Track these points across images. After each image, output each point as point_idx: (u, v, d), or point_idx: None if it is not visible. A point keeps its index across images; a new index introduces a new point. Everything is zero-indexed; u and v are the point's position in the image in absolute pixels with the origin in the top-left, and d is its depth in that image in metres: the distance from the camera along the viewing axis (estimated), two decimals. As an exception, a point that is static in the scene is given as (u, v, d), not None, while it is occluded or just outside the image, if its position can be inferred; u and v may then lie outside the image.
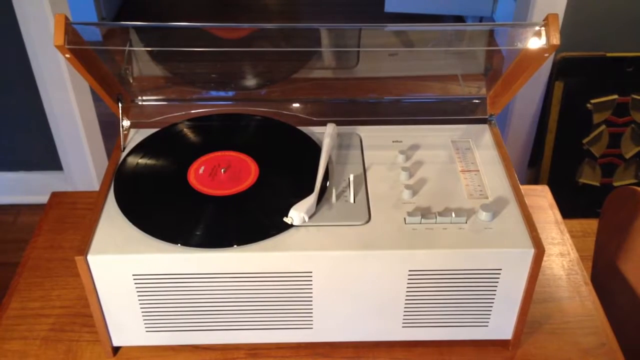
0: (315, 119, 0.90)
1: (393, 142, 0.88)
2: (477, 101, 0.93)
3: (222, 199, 0.78)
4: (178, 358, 0.81)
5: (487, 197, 0.79)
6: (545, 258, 0.92)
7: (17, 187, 2.05)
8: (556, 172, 1.95)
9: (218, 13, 3.04)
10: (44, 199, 1.03)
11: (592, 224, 1.71)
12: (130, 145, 0.87)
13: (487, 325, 0.79)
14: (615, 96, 1.83)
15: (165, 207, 0.78)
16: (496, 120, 0.91)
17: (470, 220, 0.75)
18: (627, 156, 1.91)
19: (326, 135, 0.85)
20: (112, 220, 0.75)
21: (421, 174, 0.82)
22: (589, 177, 1.94)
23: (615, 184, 1.95)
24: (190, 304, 0.76)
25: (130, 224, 0.75)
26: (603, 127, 1.87)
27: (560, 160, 1.94)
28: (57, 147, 1.96)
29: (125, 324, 0.78)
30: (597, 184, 1.95)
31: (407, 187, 0.79)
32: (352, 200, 0.78)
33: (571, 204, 1.93)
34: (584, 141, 1.89)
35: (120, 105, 0.88)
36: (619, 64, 1.80)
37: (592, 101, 1.83)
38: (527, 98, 1.88)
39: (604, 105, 1.84)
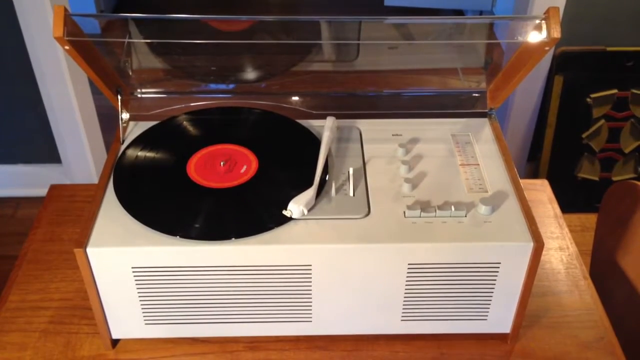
0: (314, 112, 0.90)
1: (393, 135, 0.88)
2: (477, 95, 0.93)
3: (221, 191, 0.78)
4: (177, 350, 0.81)
5: (486, 191, 0.79)
6: (544, 252, 0.92)
7: (16, 180, 2.05)
8: (555, 166, 1.95)
9: (218, 5, 3.03)
10: (43, 191, 1.03)
11: (591, 219, 1.71)
12: (130, 138, 0.87)
13: (486, 319, 0.79)
14: (615, 91, 1.82)
15: (165, 199, 0.78)
16: (496, 114, 0.91)
17: (470, 214, 0.75)
18: (627, 151, 1.91)
19: (326, 128, 0.85)
20: (112, 212, 0.75)
21: (421, 168, 0.82)
22: (588, 171, 1.94)
23: (614, 178, 1.95)
24: (189, 297, 0.76)
25: (129, 216, 0.75)
26: (602, 121, 1.86)
27: (559, 154, 1.93)
28: (55, 140, 1.96)
29: (125, 317, 0.78)
30: (596, 178, 1.95)
31: (407, 180, 0.79)
32: (351, 194, 0.78)
33: (570, 199, 1.94)
34: (584, 135, 1.88)
35: (119, 97, 0.88)
36: (619, 59, 1.80)
37: (592, 95, 1.83)
38: (526, 92, 1.88)
39: (603, 99, 1.83)
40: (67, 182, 2.01)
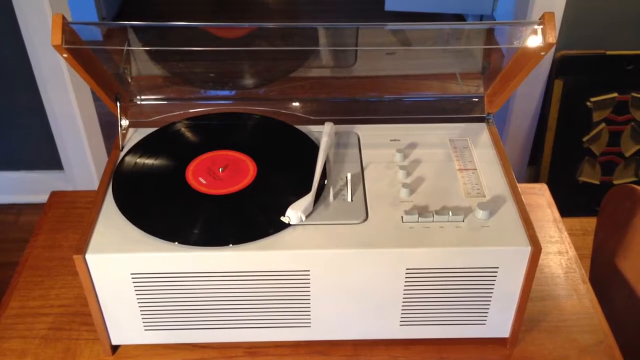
0: (313, 117, 0.91)
1: (391, 140, 0.88)
2: (475, 100, 0.93)
3: (219, 197, 0.78)
4: (176, 356, 0.81)
5: (484, 196, 0.79)
6: (543, 256, 0.93)
7: (18, 186, 2.06)
8: (556, 170, 1.95)
9: (217, 12, 3.04)
10: (44, 198, 1.04)
11: (592, 222, 1.71)
12: (129, 145, 0.87)
13: (484, 324, 0.79)
14: (615, 94, 1.83)
15: (164, 206, 0.78)
16: (495, 119, 0.91)
17: (468, 219, 0.75)
18: (627, 154, 1.91)
19: (324, 134, 0.85)
20: (111, 219, 0.76)
21: (419, 173, 0.82)
22: (588, 175, 1.94)
23: (615, 182, 1.95)
24: (188, 303, 0.76)
25: (128, 222, 0.75)
26: (603, 125, 1.86)
27: (560, 158, 1.94)
28: (57, 146, 1.96)
29: (124, 323, 0.78)
30: (597, 182, 1.95)
31: (405, 185, 0.79)
32: (349, 199, 0.78)
33: (571, 202, 1.93)
34: (584, 139, 1.89)
35: (118, 104, 0.89)
36: (619, 62, 1.80)
37: (592, 99, 1.83)
38: (526, 96, 1.88)
39: (603, 103, 1.84)
40: (69, 188, 2.01)
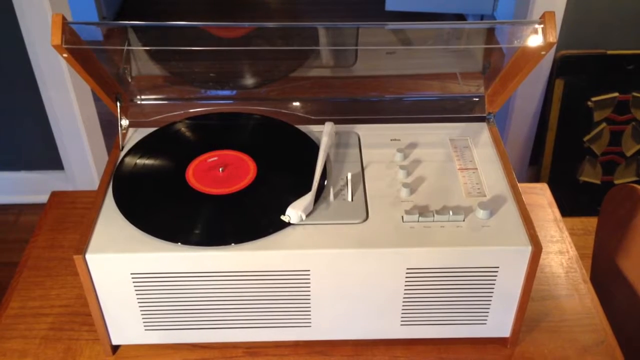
0: (313, 117, 0.90)
1: (391, 140, 0.88)
2: (475, 99, 0.93)
3: (220, 197, 0.78)
4: (177, 356, 0.81)
5: (484, 195, 0.79)
6: (544, 256, 0.93)
7: (19, 186, 2.06)
8: (557, 170, 1.95)
9: (218, 12, 3.04)
10: (45, 198, 1.04)
11: (593, 222, 1.70)
12: (129, 145, 0.87)
13: (485, 323, 0.79)
14: (616, 94, 1.82)
15: (164, 206, 0.78)
16: (495, 119, 0.91)
17: (468, 219, 0.75)
18: (628, 154, 1.91)
19: (324, 133, 0.85)
20: (111, 219, 0.76)
21: (419, 172, 0.82)
22: (589, 175, 1.94)
23: (616, 181, 1.95)
24: (188, 303, 0.76)
25: (128, 222, 0.75)
26: (604, 124, 1.86)
27: (561, 158, 1.93)
28: (57, 146, 1.96)
29: (124, 323, 0.78)
30: (598, 182, 1.95)
31: (405, 185, 0.79)
32: (349, 199, 0.78)
33: (572, 202, 1.93)
34: (585, 139, 1.88)
35: (118, 104, 0.89)
36: (620, 62, 1.80)
37: (593, 99, 1.83)
38: (527, 96, 1.88)
39: (604, 103, 1.83)
40: (70, 188, 2.01)
